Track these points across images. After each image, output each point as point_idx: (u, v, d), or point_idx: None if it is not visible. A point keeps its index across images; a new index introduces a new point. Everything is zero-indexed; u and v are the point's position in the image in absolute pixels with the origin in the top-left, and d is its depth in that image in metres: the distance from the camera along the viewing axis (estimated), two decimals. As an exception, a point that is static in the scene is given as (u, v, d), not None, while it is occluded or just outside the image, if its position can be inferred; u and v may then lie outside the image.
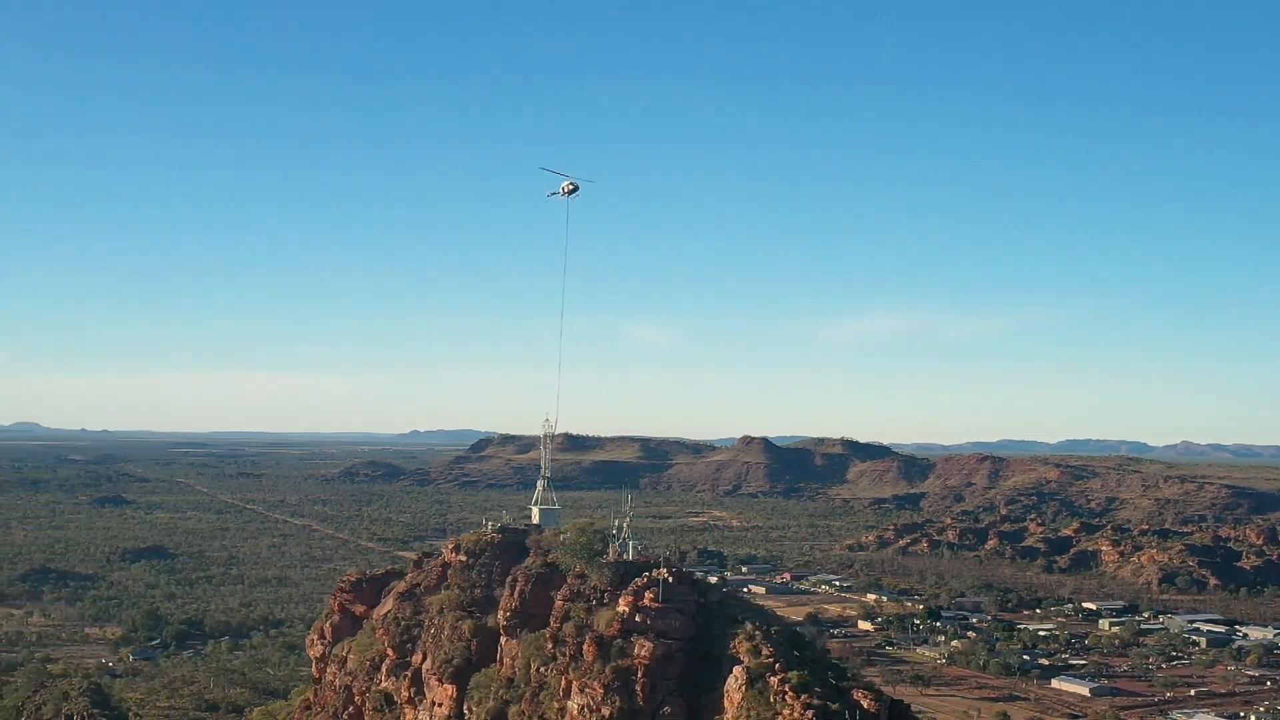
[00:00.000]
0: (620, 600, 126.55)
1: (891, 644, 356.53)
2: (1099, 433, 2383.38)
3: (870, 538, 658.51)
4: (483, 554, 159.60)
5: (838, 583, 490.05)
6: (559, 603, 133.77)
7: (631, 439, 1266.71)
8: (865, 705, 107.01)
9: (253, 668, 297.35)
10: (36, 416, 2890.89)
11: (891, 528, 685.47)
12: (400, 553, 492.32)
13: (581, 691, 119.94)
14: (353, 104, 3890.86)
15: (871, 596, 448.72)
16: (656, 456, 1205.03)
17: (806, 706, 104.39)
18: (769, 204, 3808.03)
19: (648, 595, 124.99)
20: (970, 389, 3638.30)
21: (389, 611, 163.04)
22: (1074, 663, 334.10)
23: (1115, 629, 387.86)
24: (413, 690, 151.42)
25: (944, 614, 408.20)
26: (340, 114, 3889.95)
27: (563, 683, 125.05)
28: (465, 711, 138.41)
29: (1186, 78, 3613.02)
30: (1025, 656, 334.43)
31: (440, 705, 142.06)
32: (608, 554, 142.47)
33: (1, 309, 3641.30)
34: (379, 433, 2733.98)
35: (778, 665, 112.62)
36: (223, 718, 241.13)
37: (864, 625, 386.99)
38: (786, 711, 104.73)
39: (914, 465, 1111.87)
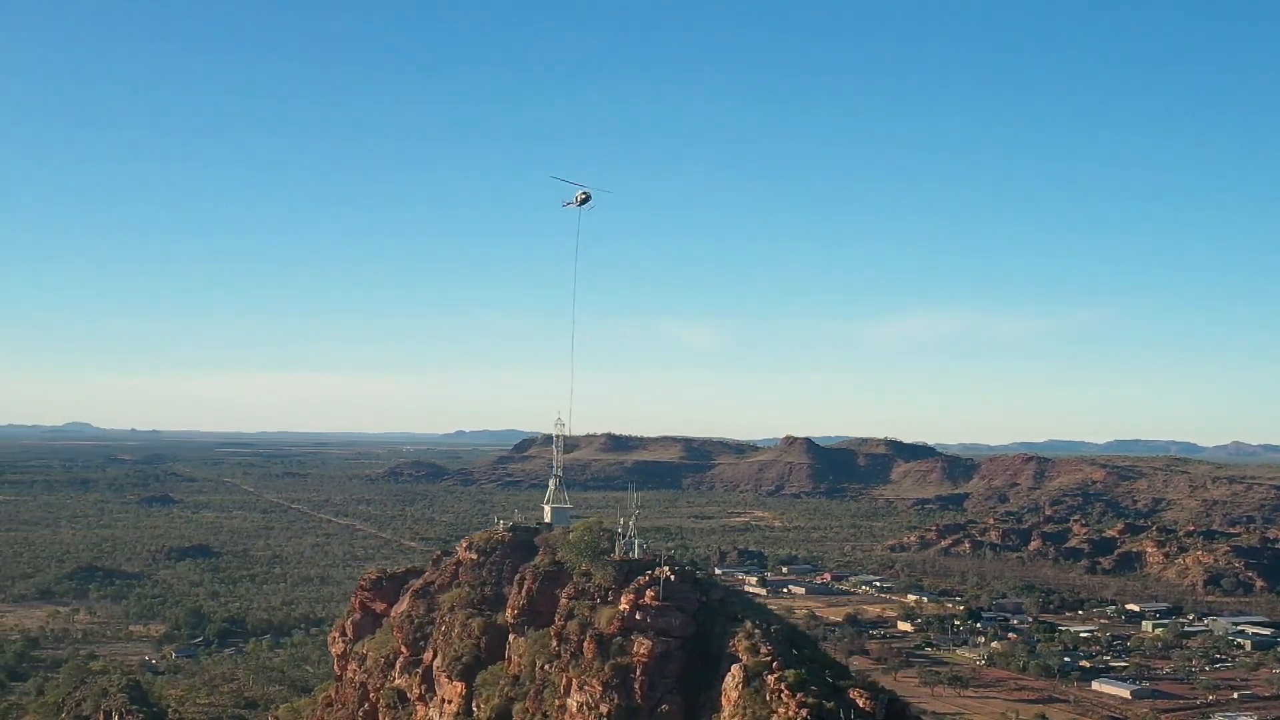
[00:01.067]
0: (622, 598, 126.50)
1: (931, 645, 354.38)
2: (1148, 433, 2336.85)
3: (912, 538, 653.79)
4: (493, 552, 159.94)
5: (878, 583, 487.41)
6: (564, 601, 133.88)
7: (674, 439, 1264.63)
8: (861, 704, 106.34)
9: (292, 666, 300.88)
10: (88, 417, 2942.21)
11: (934, 528, 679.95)
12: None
13: (580, 689, 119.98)
14: (381, 103, 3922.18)
15: (912, 597, 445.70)
16: (699, 457, 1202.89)
17: (801, 705, 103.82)
18: (813, 204, 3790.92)
19: (649, 594, 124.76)
20: (1017, 389, 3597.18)
21: (405, 609, 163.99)
22: (1115, 665, 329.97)
23: (1158, 631, 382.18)
24: (424, 687, 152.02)
25: (985, 615, 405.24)
26: (363, 112, 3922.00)
27: (564, 680, 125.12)
28: (473, 709, 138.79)
29: (1255, 76, 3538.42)
30: (1066, 658, 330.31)
31: (450, 702, 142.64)
32: (614, 552, 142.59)
33: (54, 311, 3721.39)
34: (424, 433, 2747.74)
35: (775, 664, 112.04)
36: (260, 715, 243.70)
37: (904, 626, 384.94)
38: (782, 710, 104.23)
39: (958, 466, 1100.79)
